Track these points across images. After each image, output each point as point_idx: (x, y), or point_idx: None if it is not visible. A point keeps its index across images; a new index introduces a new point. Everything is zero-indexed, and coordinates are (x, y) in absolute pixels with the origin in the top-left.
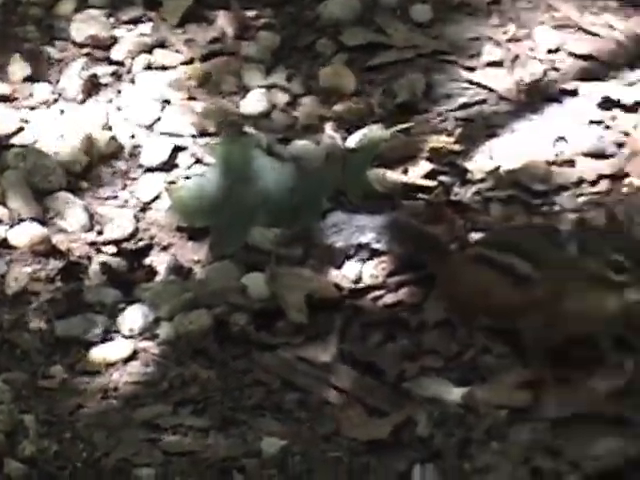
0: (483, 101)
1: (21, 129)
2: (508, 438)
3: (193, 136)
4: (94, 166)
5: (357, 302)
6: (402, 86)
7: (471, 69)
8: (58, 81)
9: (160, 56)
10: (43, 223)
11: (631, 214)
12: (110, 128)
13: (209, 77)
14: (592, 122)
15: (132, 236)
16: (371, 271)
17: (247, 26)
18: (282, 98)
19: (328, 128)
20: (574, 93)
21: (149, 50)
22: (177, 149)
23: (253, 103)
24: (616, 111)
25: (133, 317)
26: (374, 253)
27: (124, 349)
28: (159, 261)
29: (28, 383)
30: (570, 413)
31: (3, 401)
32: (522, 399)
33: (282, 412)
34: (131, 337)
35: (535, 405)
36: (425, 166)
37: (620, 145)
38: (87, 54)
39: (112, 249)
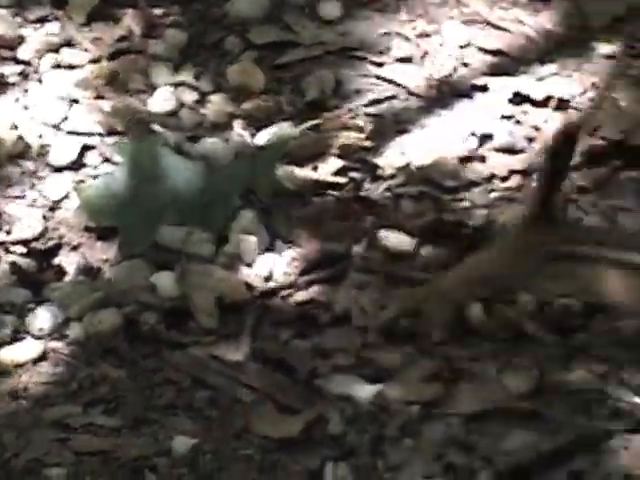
0: (393, 97)
1: None
2: (421, 434)
3: (101, 135)
4: (1, 166)
5: (268, 301)
6: (311, 83)
7: (380, 65)
8: None
9: (67, 55)
10: None
11: None
12: (17, 127)
13: (116, 76)
14: (503, 117)
15: (41, 236)
16: (284, 269)
17: (154, 24)
18: (190, 96)
19: (237, 126)
20: (484, 88)
21: (56, 49)
22: (85, 148)
23: (161, 101)
24: (526, 106)
25: (43, 317)
26: (287, 250)
27: (34, 349)
28: (68, 261)
29: None
30: (483, 408)
31: None
32: (432, 393)
33: (193, 410)
34: (41, 337)
35: (446, 399)
36: (335, 163)
37: (531, 140)
38: None
39: (21, 249)
